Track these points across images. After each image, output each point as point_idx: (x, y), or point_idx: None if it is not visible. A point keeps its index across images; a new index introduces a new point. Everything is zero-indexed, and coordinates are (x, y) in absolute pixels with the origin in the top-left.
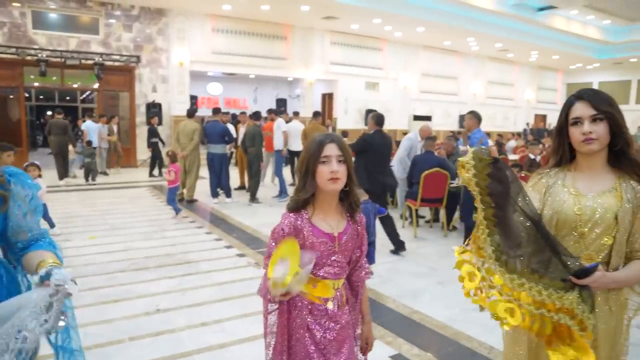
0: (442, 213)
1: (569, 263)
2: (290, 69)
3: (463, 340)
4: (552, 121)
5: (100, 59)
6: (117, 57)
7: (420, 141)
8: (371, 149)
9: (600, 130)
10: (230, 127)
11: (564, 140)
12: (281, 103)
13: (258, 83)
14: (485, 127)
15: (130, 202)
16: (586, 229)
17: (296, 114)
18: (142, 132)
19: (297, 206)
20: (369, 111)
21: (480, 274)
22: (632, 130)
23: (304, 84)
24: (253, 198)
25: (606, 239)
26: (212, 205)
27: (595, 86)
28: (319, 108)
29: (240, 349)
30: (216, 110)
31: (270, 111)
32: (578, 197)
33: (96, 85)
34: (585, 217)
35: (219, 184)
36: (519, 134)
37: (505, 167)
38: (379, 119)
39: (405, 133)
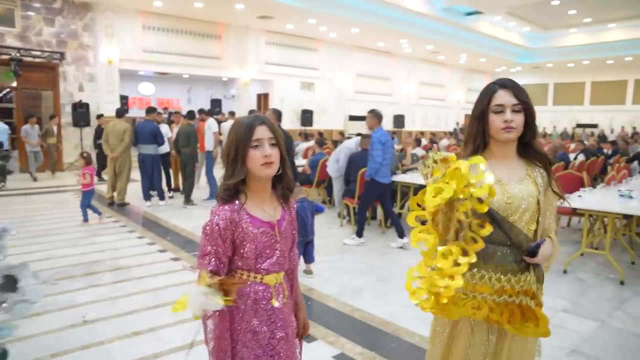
0: (380, 210)
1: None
2: (225, 69)
3: (405, 336)
4: None
5: (18, 54)
6: (38, 53)
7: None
8: None
9: (519, 120)
10: (165, 127)
11: (484, 126)
12: (216, 103)
13: (192, 83)
14: (418, 126)
15: (56, 208)
16: (516, 217)
17: (232, 113)
18: (67, 134)
19: (230, 195)
20: (305, 111)
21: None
22: (549, 129)
23: (239, 84)
24: (188, 200)
25: (532, 225)
26: (145, 208)
27: None
28: (254, 108)
29: (176, 358)
30: (150, 110)
31: (201, 111)
32: (504, 186)
33: (14, 84)
34: (514, 206)
35: (152, 185)
36: (450, 133)
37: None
38: (279, 115)
39: (341, 133)
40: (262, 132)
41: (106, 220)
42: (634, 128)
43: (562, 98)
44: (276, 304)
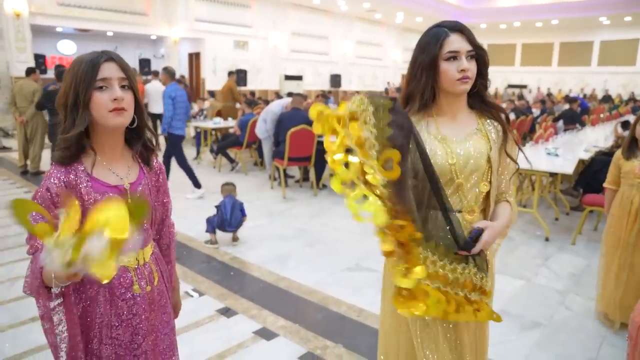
0: (312, 172)
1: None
2: (152, 26)
3: (331, 305)
4: None
5: None
6: None
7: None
8: None
9: (474, 68)
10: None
11: (434, 78)
12: (145, 63)
13: (118, 41)
14: (355, 86)
15: None
16: (462, 179)
17: (155, 73)
18: None
19: (69, 154)
20: (238, 71)
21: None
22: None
23: (168, 42)
24: None
25: (483, 186)
26: None
27: None
28: (185, 68)
29: None
30: (60, 70)
31: None
32: (448, 144)
33: None
34: (459, 166)
35: None
36: (385, 92)
37: (402, 109)
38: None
39: (276, 93)
40: (110, 70)
41: (17, 190)
42: (582, 89)
43: (495, 59)
44: (137, 290)
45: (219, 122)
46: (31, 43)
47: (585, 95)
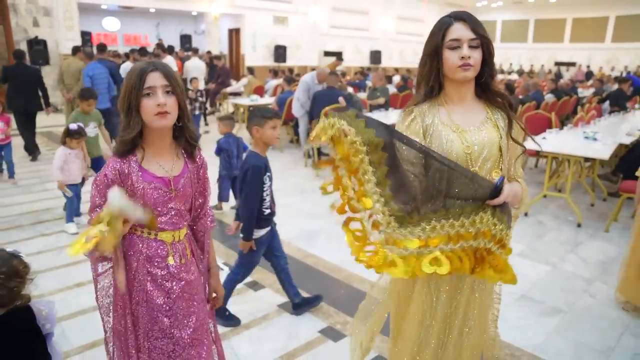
0: None
1: (476, 188)
2: (194, 2)
3: (355, 283)
4: None
5: None
6: None
7: (317, 83)
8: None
9: (477, 56)
10: (128, 65)
11: (438, 64)
12: (185, 39)
13: (160, 18)
14: (395, 63)
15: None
16: (477, 167)
17: (195, 50)
18: None
19: (125, 149)
20: (278, 47)
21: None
22: (526, 67)
23: (209, 18)
24: None
25: (494, 173)
26: (106, 152)
27: (499, 25)
28: (225, 44)
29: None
30: (101, 47)
31: (158, 46)
32: (463, 134)
33: None
34: (475, 155)
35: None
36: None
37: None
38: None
39: (313, 69)
40: (154, 79)
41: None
42: (613, 68)
43: (542, 35)
44: (172, 261)
45: (255, 99)
46: (78, 21)
47: None
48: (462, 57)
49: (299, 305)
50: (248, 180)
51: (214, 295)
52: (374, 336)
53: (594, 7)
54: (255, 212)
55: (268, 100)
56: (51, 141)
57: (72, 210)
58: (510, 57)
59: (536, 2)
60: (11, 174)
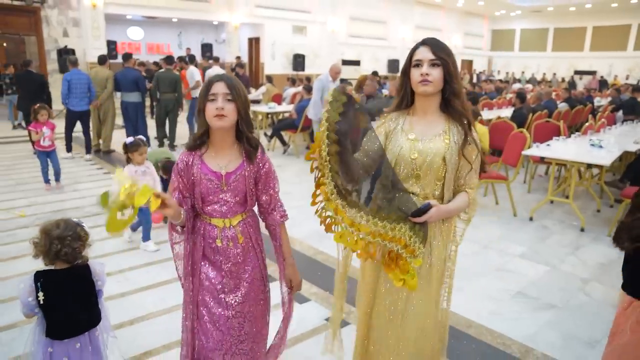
0: None
1: (406, 205)
2: (215, 12)
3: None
4: (478, 67)
5: None
6: None
7: (331, 81)
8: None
9: (436, 74)
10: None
11: (407, 81)
12: (207, 48)
13: (182, 27)
14: None
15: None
16: (421, 172)
17: (216, 59)
18: (54, 81)
19: (193, 144)
20: (296, 56)
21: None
22: (549, 75)
23: (229, 27)
24: (172, 145)
25: (438, 179)
26: None
27: (517, 34)
28: (245, 53)
29: (139, 297)
30: (127, 56)
31: (180, 59)
32: (414, 143)
33: None
34: (419, 162)
35: (136, 133)
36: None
37: (355, 107)
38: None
39: None
40: (218, 88)
41: (90, 167)
42: (627, 76)
43: (561, 44)
44: (219, 243)
45: (273, 107)
46: (104, 31)
47: None
48: (422, 74)
49: None
50: None
51: (290, 282)
52: (341, 306)
53: (615, 15)
54: None
55: (286, 107)
56: (76, 144)
57: (147, 230)
58: (530, 66)
59: (556, 10)
60: (57, 179)
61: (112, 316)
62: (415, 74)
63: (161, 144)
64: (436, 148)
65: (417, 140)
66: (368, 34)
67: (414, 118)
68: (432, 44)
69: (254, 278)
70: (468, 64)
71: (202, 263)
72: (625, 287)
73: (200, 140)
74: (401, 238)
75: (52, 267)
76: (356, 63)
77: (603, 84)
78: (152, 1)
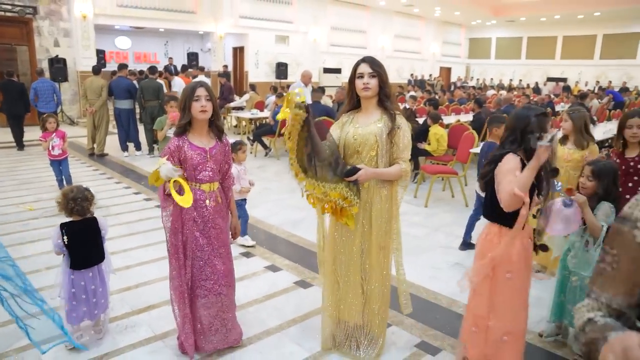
0: None
1: (342, 172)
2: (200, 23)
3: None
4: (456, 74)
5: None
6: (9, 7)
7: (304, 86)
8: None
9: (373, 82)
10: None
11: (353, 88)
12: (193, 57)
13: (168, 37)
14: (393, 79)
15: (37, 159)
16: (360, 148)
17: (201, 69)
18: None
19: (180, 131)
20: (279, 64)
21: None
22: (524, 82)
23: (214, 37)
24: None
25: (372, 153)
26: (122, 158)
27: (493, 42)
28: (230, 62)
29: (141, 269)
30: (122, 66)
31: (166, 69)
32: (357, 129)
33: None
34: (359, 141)
35: (128, 138)
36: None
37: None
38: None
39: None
40: (200, 91)
41: (87, 169)
42: (597, 82)
43: (534, 52)
44: (208, 203)
45: (255, 113)
46: (94, 41)
47: (625, 89)
48: (364, 83)
49: None
50: None
51: (235, 229)
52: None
53: (582, 26)
54: None
55: (267, 114)
56: (71, 149)
57: (244, 225)
58: (506, 73)
59: (528, 20)
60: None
61: (121, 282)
62: (359, 83)
63: (151, 150)
64: (372, 130)
65: (359, 127)
66: (349, 42)
67: (359, 114)
68: (370, 61)
69: (224, 227)
70: (446, 71)
71: (191, 228)
72: (484, 214)
73: (184, 128)
74: (340, 193)
75: (71, 219)
76: (337, 71)
77: (566, 89)
78: (139, 12)
